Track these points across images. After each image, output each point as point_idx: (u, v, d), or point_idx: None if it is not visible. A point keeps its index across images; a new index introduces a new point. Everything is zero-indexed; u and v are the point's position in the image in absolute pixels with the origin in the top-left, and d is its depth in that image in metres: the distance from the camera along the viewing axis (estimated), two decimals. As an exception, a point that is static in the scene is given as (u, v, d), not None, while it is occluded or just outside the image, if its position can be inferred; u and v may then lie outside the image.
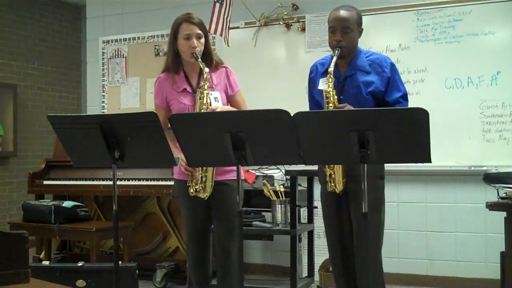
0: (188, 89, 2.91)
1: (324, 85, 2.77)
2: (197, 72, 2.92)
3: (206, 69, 2.79)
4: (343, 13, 2.82)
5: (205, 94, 2.79)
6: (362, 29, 2.90)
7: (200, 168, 2.80)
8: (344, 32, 2.79)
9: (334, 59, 2.76)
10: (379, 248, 2.88)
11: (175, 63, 2.93)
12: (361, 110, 2.51)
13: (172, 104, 2.95)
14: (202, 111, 2.77)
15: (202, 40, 2.87)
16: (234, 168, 2.87)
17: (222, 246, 2.92)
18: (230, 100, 2.97)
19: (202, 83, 2.80)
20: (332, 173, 2.80)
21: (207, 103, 2.79)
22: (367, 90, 2.83)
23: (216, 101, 2.83)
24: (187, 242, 3.05)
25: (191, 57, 2.83)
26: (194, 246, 2.97)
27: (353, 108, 2.69)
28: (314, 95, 2.95)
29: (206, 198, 2.85)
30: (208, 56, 2.91)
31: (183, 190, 2.90)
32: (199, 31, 2.85)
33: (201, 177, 2.82)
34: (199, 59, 2.80)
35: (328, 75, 2.76)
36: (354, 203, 2.83)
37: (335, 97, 2.76)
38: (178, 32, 2.87)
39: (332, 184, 2.82)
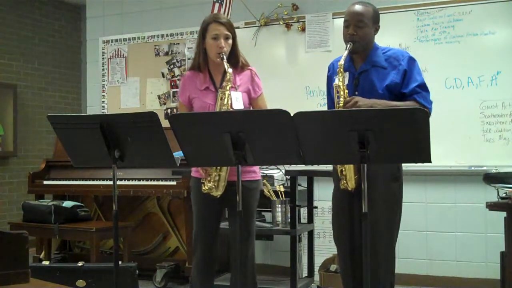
0: (211, 87, 2.93)
1: (336, 79, 2.76)
2: (222, 72, 2.93)
3: (230, 70, 2.81)
4: (358, 7, 2.81)
5: (226, 95, 2.81)
6: (379, 27, 2.87)
7: (215, 167, 2.80)
8: (358, 27, 2.76)
9: (346, 53, 2.75)
10: (391, 246, 2.86)
11: (202, 62, 2.96)
12: (361, 110, 2.51)
13: (194, 101, 2.97)
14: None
15: (230, 41, 2.90)
16: (251, 168, 2.91)
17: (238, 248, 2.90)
18: (252, 102, 2.99)
19: (225, 84, 2.83)
20: (343, 169, 2.76)
21: (228, 103, 2.81)
22: (383, 84, 2.79)
23: (237, 102, 2.86)
24: (194, 241, 3.03)
25: (218, 57, 2.86)
26: (201, 245, 2.96)
27: (363, 100, 2.67)
28: (331, 93, 2.90)
29: (218, 196, 2.84)
30: (234, 57, 2.94)
31: (196, 187, 2.92)
32: (227, 32, 2.88)
33: (215, 176, 2.82)
34: (225, 60, 2.83)
35: (338, 69, 2.74)
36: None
37: (346, 91, 2.74)
38: (206, 31, 2.91)
39: (344, 181, 2.77)
